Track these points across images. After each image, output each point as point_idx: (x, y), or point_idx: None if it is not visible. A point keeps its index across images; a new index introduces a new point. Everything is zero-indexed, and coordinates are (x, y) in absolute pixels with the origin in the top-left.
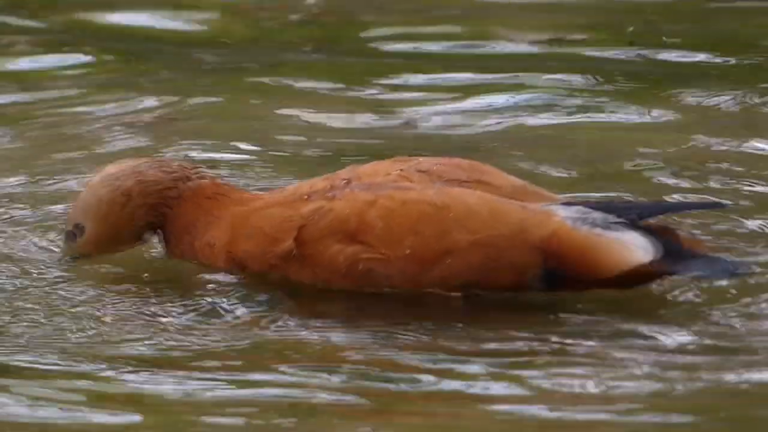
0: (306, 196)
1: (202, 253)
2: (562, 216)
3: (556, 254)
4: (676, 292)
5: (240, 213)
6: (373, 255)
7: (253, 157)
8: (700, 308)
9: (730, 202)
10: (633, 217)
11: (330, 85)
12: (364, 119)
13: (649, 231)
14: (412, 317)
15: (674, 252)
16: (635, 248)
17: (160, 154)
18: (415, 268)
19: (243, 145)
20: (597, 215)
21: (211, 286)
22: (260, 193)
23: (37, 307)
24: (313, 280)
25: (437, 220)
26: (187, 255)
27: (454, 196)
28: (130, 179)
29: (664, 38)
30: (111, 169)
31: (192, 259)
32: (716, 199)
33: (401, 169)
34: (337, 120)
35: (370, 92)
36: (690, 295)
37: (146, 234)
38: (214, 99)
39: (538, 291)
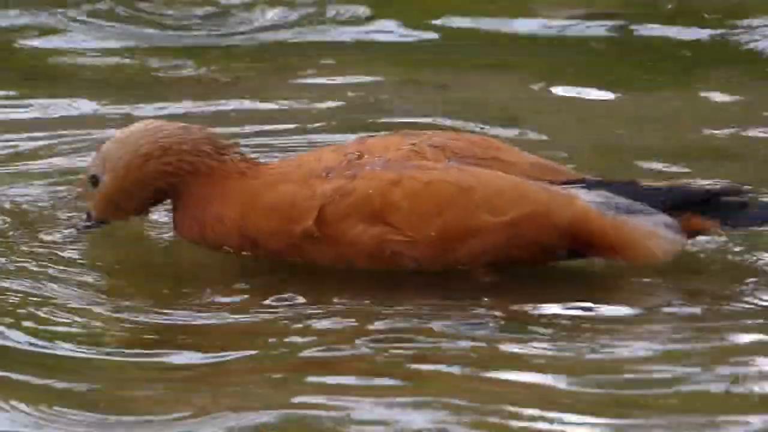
0: (325, 174)
1: (213, 229)
2: (586, 200)
3: (580, 238)
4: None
5: (254, 188)
6: (399, 236)
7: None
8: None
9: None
10: (657, 203)
11: None
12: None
13: (673, 214)
14: (438, 291)
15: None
16: (662, 236)
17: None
18: (440, 248)
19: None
20: (621, 200)
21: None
22: (271, 163)
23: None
24: (334, 261)
25: (463, 201)
26: (196, 232)
27: (479, 176)
28: (153, 142)
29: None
30: (137, 127)
31: (201, 237)
32: (739, 185)
33: (413, 144)
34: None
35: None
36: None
37: (156, 200)
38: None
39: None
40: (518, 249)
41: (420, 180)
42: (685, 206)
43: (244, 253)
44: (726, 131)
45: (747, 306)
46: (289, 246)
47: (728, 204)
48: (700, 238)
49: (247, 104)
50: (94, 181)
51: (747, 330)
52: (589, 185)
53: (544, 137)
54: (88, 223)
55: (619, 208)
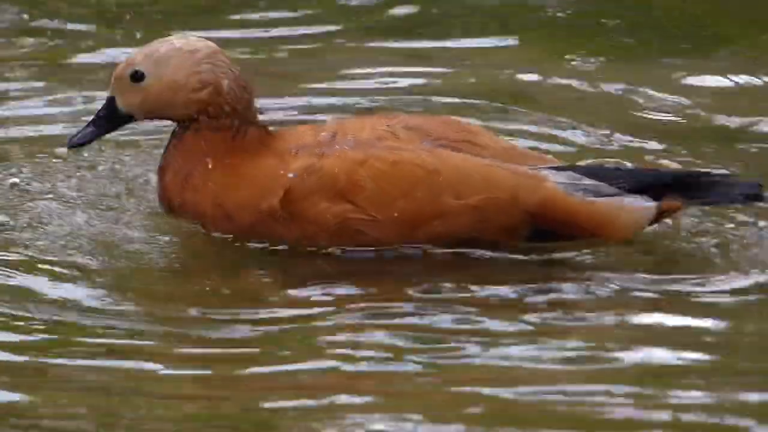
0: (294, 151)
1: (193, 187)
2: (554, 181)
3: (547, 219)
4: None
5: (243, 159)
6: (362, 215)
7: None
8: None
9: (727, 170)
10: (623, 184)
11: None
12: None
13: (640, 192)
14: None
15: (687, 185)
16: (630, 213)
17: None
18: (403, 229)
19: None
20: (588, 181)
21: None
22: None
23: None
24: (299, 238)
25: (428, 183)
26: (177, 188)
27: (446, 159)
28: (209, 69)
29: None
30: (198, 44)
31: (180, 194)
32: (706, 170)
33: (388, 125)
34: None
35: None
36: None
37: (177, 120)
38: None
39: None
40: (481, 232)
41: (386, 160)
42: (653, 187)
43: (213, 231)
44: None
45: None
46: (256, 222)
47: (699, 184)
48: (673, 217)
49: None
50: (137, 76)
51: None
52: (558, 168)
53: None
54: (104, 115)
55: (587, 189)
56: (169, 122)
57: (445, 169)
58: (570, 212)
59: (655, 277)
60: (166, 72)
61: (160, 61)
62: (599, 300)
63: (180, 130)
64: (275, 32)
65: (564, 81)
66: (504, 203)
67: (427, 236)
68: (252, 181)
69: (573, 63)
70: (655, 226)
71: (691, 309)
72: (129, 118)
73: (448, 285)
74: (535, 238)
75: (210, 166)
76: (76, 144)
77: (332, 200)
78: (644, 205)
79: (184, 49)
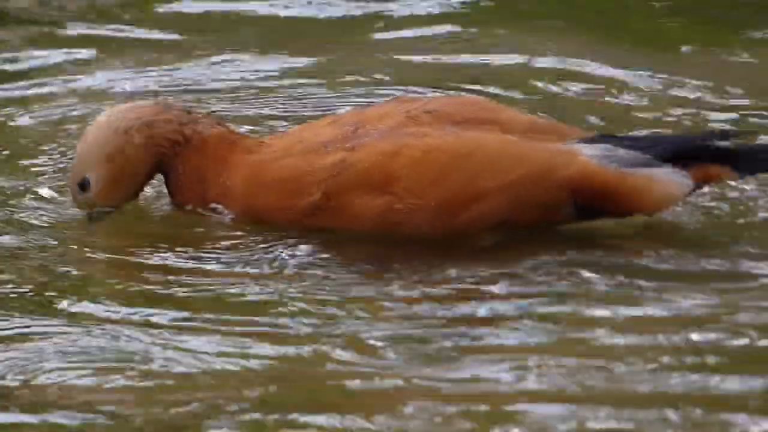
0: (324, 147)
1: (214, 202)
2: (588, 155)
3: (585, 193)
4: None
5: (255, 163)
6: (402, 205)
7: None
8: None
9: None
10: (658, 153)
11: None
12: None
13: (676, 163)
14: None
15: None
16: (667, 184)
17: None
18: (443, 215)
19: None
20: (622, 152)
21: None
22: (265, 139)
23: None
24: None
25: (462, 166)
26: (196, 205)
27: (476, 140)
28: (130, 118)
29: None
30: (107, 113)
31: (200, 210)
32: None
33: (408, 111)
34: None
35: None
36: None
37: (151, 177)
38: None
39: (567, 223)
40: (522, 211)
41: (417, 148)
42: (688, 155)
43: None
44: None
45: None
46: (293, 221)
47: (738, 151)
48: (713, 186)
49: None
50: (83, 185)
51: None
52: (590, 140)
53: None
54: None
55: (621, 161)
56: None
57: (477, 150)
58: (605, 185)
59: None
60: (98, 156)
61: (86, 153)
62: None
63: (169, 186)
64: None
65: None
66: (540, 179)
67: (467, 221)
68: (280, 181)
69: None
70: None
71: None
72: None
73: (484, 274)
74: (577, 217)
75: (216, 180)
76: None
77: (370, 194)
78: (681, 175)
79: (94, 128)
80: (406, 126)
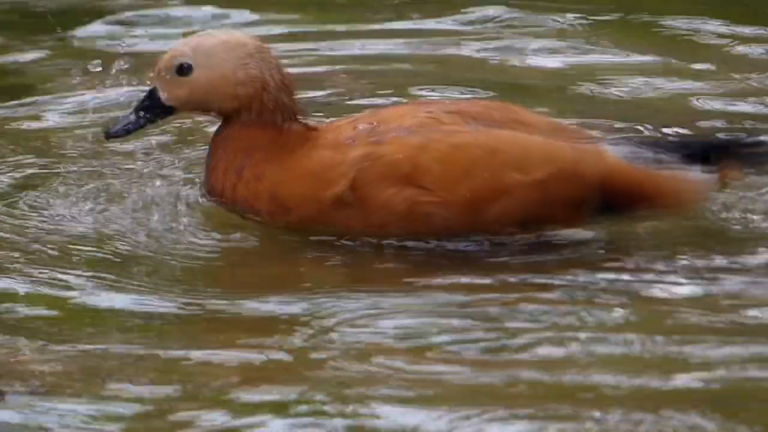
0: (350, 141)
1: (247, 185)
2: (614, 153)
3: (612, 191)
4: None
5: (293, 152)
6: (430, 198)
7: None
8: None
9: None
10: (682, 153)
11: None
12: None
13: (699, 160)
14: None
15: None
16: (692, 182)
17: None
18: (471, 211)
19: None
20: (648, 151)
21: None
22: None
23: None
24: (367, 227)
25: (491, 162)
26: (230, 183)
27: (504, 138)
28: (255, 62)
29: None
30: (247, 40)
31: (232, 191)
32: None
33: (429, 111)
34: None
35: None
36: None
37: (223, 111)
38: None
39: (593, 221)
40: (549, 208)
41: (446, 143)
42: (714, 156)
43: (270, 223)
44: None
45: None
46: (319, 212)
47: (757, 152)
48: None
49: None
50: (184, 69)
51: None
52: (615, 140)
53: None
54: (146, 106)
55: (648, 160)
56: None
57: (505, 147)
58: (632, 183)
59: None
60: (213, 65)
61: (207, 54)
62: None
63: (224, 127)
64: None
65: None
66: (568, 176)
67: (495, 217)
68: (309, 172)
69: None
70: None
71: None
72: (170, 110)
73: (518, 269)
74: (602, 215)
75: (260, 161)
76: (114, 134)
77: (398, 185)
78: (705, 174)
79: (230, 42)
80: (428, 126)
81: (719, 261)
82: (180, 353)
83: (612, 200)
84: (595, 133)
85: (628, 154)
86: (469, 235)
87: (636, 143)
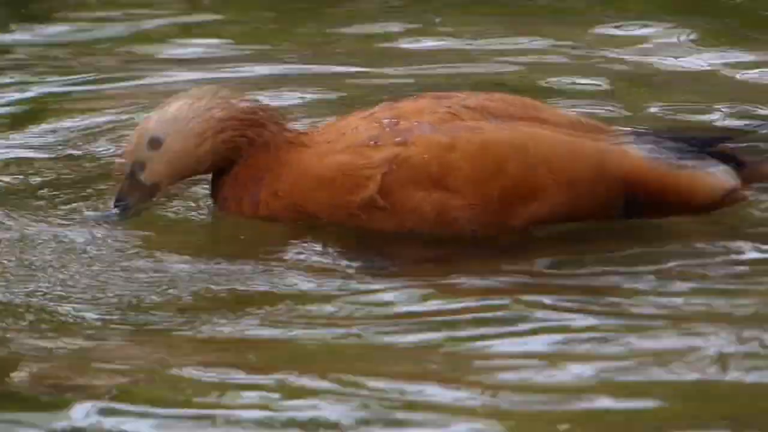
0: (372, 142)
1: (267, 205)
2: (638, 151)
3: (637, 189)
4: None
5: (306, 159)
6: (460, 200)
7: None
8: None
9: None
10: (704, 148)
11: None
12: None
13: (723, 158)
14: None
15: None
16: (716, 178)
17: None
18: (501, 211)
19: None
20: (669, 148)
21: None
22: (313, 132)
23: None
24: (396, 229)
25: (520, 160)
26: (248, 208)
27: (530, 134)
28: (220, 107)
29: None
30: (198, 91)
31: (253, 213)
32: None
33: (448, 107)
34: None
35: None
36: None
37: (208, 170)
38: None
39: (616, 219)
40: (575, 207)
41: (474, 141)
42: (738, 154)
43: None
44: None
45: None
46: (348, 217)
47: None
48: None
49: None
50: (155, 143)
51: None
52: (636, 137)
53: None
54: (125, 203)
55: (670, 158)
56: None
57: (533, 144)
58: (657, 182)
59: None
60: (182, 129)
61: (173, 120)
62: None
63: (218, 182)
64: None
65: None
66: (596, 175)
67: (524, 217)
68: (331, 178)
69: None
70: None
71: None
72: (155, 188)
73: (544, 266)
74: (629, 214)
75: (272, 180)
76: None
77: (428, 189)
78: (729, 171)
79: (190, 101)
80: (450, 121)
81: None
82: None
83: (636, 199)
84: (614, 128)
85: (651, 151)
86: (496, 237)
87: (659, 140)
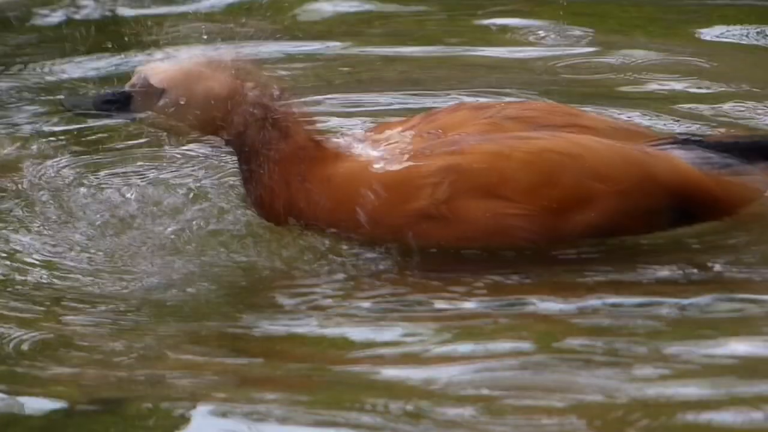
0: (425, 151)
1: (309, 213)
2: (685, 159)
3: (686, 198)
4: None
5: (347, 171)
6: (516, 210)
7: None
8: None
9: None
10: (745, 153)
11: None
12: None
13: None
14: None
15: None
16: (762, 184)
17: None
18: (556, 220)
19: None
20: (715, 156)
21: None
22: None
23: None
24: (450, 239)
25: (573, 169)
26: (280, 213)
27: (581, 143)
28: (241, 69)
29: None
30: (221, 52)
31: (291, 216)
32: None
33: (489, 117)
34: None
35: None
36: None
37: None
38: None
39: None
40: (629, 217)
41: (528, 151)
42: None
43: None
44: None
45: None
46: (399, 227)
47: None
48: None
49: None
50: (159, 93)
51: None
52: (681, 144)
53: None
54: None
55: (714, 164)
56: None
57: (585, 153)
58: (704, 190)
59: None
60: (188, 91)
61: (181, 79)
62: None
63: (251, 164)
64: None
65: None
66: (648, 183)
67: (578, 226)
68: (382, 190)
69: None
70: None
71: None
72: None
73: (594, 276)
74: (676, 222)
75: (310, 180)
76: (70, 107)
77: (485, 198)
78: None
79: (201, 61)
80: (492, 132)
81: None
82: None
83: (684, 207)
84: (650, 132)
85: (695, 157)
86: (549, 247)
87: (703, 145)
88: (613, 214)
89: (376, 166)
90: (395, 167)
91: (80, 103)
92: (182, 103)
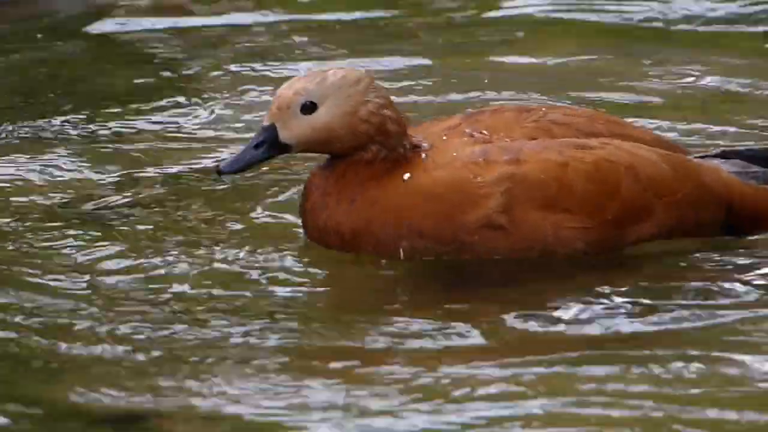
0: (480, 158)
1: (359, 214)
2: (729, 171)
3: (735, 209)
4: None
5: (413, 176)
6: (575, 220)
7: None
8: None
9: None
10: None
11: None
12: None
13: None
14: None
15: None
16: None
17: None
18: (615, 231)
19: None
20: (757, 168)
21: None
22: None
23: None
24: (510, 250)
25: (631, 180)
26: (346, 222)
27: (636, 153)
28: (376, 88)
29: None
30: (361, 74)
31: (351, 230)
32: None
33: (535, 121)
34: None
35: None
36: None
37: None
38: None
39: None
40: (684, 227)
41: (587, 161)
42: None
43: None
44: None
45: None
46: (455, 237)
47: None
48: None
49: None
50: (309, 107)
51: None
52: (724, 155)
53: None
54: (262, 142)
55: (757, 177)
56: None
57: (642, 163)
58: (746, 202)
59: None
60: (338, 103)
61: (332, 92)
62: None
63: (326, 167)
64: None
65: None
66: (698, 194)
67: (634, 236)
68: (438, 194)
69: None
70: None
71: None
72: (287, 149)
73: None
74: (726, 234)
75: (373, 187)
76: (230, 171)
77: (545, 208)
78: None
79: (350, 78)
80: (544, 137)
81: None
82: None
83: (732, 219)
84: (688, 148)
85: (738, 169)
86: (605, 256)
87: (744, 157)
88: (667, 223)
89: (431, 170)
90: (450, 172)
91: (236, 164)
92: (334, 114)
